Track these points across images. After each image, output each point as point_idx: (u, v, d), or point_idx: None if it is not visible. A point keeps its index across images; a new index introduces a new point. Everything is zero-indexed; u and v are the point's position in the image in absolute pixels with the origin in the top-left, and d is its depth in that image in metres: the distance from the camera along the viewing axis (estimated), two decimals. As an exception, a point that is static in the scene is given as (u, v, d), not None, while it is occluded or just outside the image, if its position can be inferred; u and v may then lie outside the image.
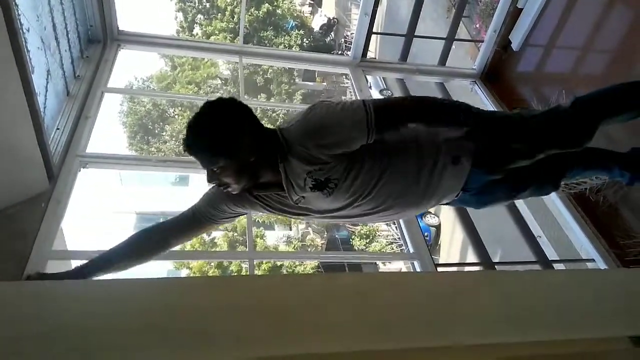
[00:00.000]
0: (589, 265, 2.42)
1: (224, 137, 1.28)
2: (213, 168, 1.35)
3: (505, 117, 1.54)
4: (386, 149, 1.40)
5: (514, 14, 3.00)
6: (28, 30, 1.80)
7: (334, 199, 1.42)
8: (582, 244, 2.42)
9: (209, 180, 1.44)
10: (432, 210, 12.54)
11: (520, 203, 3.00)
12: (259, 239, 12.53)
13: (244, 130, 1.31)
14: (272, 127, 1.42)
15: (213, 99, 1.35)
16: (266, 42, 16.55)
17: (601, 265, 2.27)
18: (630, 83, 1.68)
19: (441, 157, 1.44)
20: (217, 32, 16.99)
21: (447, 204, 1.64)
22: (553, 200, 2.57)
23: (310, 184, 1.36)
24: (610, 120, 1.62)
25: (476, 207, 1.71)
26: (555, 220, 2.92)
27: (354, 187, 1.39)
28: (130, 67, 15.86)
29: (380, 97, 13.72)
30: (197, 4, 19.19)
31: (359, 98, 2.92)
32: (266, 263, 11.40)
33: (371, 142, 1.33)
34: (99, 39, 2.69)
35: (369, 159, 1.38)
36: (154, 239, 1.68)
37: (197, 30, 19.07)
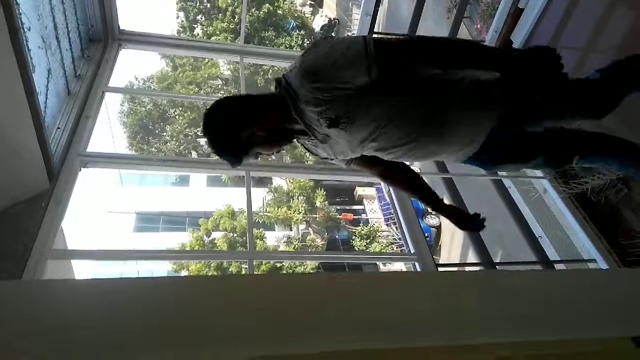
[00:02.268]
0: (591, 265, 2.41)
1: (234, 145, 1.38)
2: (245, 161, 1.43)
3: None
4: (407, 84, 1.36)
5: (516, 13, 2.99)
6: (29, 30, 1.80)
7: (355, 132, 1.39)
8: (584, 244, 2.41)
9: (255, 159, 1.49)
10: (432, 211, 12.52)
11: (521, 204, 3.00)
12: (259, 239, 12.51)
13: (246, 126, 1.37)
14: (274, 83, 1.45)
15: (208, 110, 1.42)
16: (267, 42, 16.55)
17: (602, 265, 2.26)
18: None
19: (469, 99, 1.38)
20: (218, 32, 16.99)
21: (463, 162, 1.60)
22: (554, 201, 2.57)
23: (325, 123, 1.36)
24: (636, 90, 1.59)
25: (486, 168, 1.71)
26: (556, 221, 2.91)
27: (368, 119, 1.36)
28: (131, 67, 15.87)
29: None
30: (198, 4, 19.19)
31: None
32: (265, 264, 11.38)
33: (384, 78, 1.31)
34: (100, 39, 2.69)
35: (385, 93, 1.34)
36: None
37: (198, 30, 19.08)
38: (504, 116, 1.42)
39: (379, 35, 1.33)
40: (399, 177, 1.71)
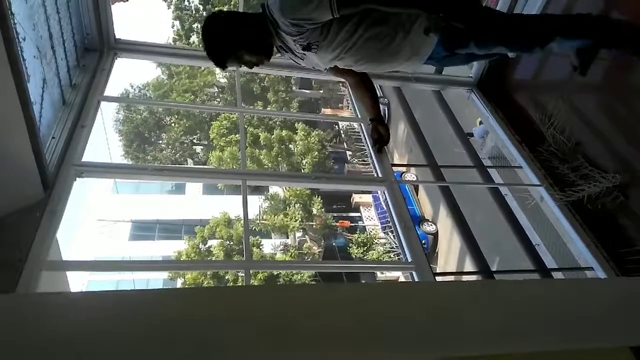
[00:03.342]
0: (588, 273, 2.41)
1: (223, 59, 1.83)
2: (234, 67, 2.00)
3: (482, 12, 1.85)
4: (364, 17, 1.74)
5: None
6: (24, 39, 1.79)
7: (324, 54, 1.85)
8: (581, 252, 2.41)
9: (249, 67, 1.92)
10: (429, 217, 12.55)
11: (518, 211, 3.01)
12: (255, 247, 12.49)
13: (236, 46, 1.79)
14: (261, 7, 1.80)
15: (205, 19, 1.88)
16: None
17: (600, 273, 2.26)
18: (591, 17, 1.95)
19: (415, 27, 1.76)
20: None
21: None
22: (551, 208, 2.57)
23: (299, 47, 1.82)
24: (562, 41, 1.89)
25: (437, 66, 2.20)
26: (553, 229, 2.92)
27: (333, 45, 1.80)
28: (127, 75, 15.89)
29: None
30: (194, 13, 19.27)
31: (356, 108, 2.93)
32: (262, 272, 11.34)
33: (343, 15, 1.66)
34: (95, 48, 2.68)
35: (346, 25, 1.74)
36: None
37: (194, 38, 19.13)
38: (440, 40, 1.81)
39: None
40: (364, 87, 2.24)
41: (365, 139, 2.84)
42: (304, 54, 1.86)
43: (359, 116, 2.92)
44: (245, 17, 1.84)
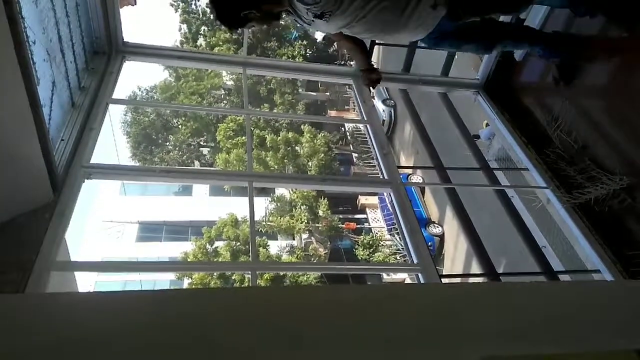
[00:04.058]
0: (595, 276, 2.40)
1: (232, 19, 1.91)
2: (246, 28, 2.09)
3: None
4: None
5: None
6: (34, 43, 1.82)
7: (335, 22, 1.97)
8: (588, 254, 2.40)
9: (254, 30, 2.20)
10: (435, 219, 12.50)
11: (524, 213, 3.00)
12: (262, 248, 12.51)
13: (245, 4, 1.84)
14: None
15: None
16: (270, 52, 16.66)
17: (607, 276, 2.25)
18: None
19: (423, 1, 1.91)
20: (220, 43, 17.11)
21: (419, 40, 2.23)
22: (558, 211, 2.56)
23: (311, 14, 1.94)
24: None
25: (429, 45, 2.29)
26: (560, 231, 2.91)
27: (345, 14, 1.92)
28: (134, 77, 15.99)
29: (383, 106, 13.53)
30: (201, 16, 19.36)
31: (362, 110, 2.93)
32: (268, 273, 11.35)
33: None
34: (104, 51, 2.71)
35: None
36: None
37: (201, 41, 19.22)
38: (447, 13, 1.98)
39: None
40: (352, 41, 2.32)
41: (371, 141, 2.84)
42: (312, 20, 1.97)
43: (365, 118, 2.92)
44: None
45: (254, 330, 0.79)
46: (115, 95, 2.59)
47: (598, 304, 1.01)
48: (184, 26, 19.79)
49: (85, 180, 2.07)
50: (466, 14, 2.02)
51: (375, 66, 2.60)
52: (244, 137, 15.02)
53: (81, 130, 2.22)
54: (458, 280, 9.85)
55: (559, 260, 4.01)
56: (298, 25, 2.16)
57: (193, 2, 20.02)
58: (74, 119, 2.25)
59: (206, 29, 18.92)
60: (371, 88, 2.74)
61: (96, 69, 2.61)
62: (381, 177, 2.57)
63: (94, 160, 2.18)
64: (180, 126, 20.27)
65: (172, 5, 19.98)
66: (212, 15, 2.19)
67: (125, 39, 2.80)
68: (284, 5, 1.94)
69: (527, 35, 2.51)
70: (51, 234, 1.75)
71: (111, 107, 2.52)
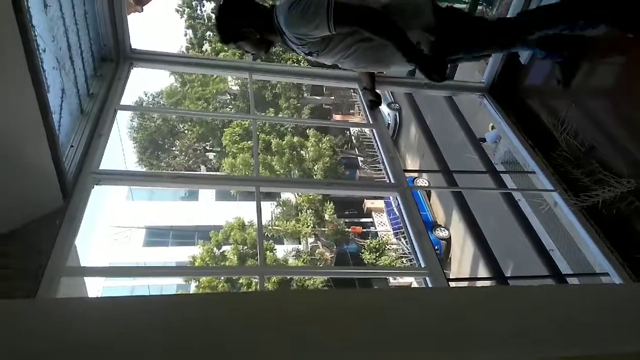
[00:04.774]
0: (604, 279, 2.39)
1: (231, 32, 2.00)
2: (240, 48, 2.07)
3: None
4: (360, 35, 1.94)
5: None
6: (44, 51, 1.84)
7: (324, 59, 2.12)
8: (596, 257, 2.39)
9: (244, 52, 2.15)
10: (441, 223, 12.47)
11: (531, 217, 2.99)
12: (268, 251, 12.52)
13: (245, 23, 1.95)
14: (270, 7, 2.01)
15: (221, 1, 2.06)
16: (275, 57, 16.71)
17: (616, 279, 2.24)
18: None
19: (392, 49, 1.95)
20: (226, 48, 17.18)
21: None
22: (565, 214, 2.55)
23: (302, 52, 2.08)
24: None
25: None
26: (567, 234, 2.89)
27: (332, 53, 2.04)
28: (141, 82, 16.09)
29: (388, 110, 13.50)
30: (206, 21, 19.48)
31: (368, 114, 2.94)
32: (276, 277, 11.35)
33: (340, 33, 1.91)
34: (112, 58, 2.74)
35: (342, 39, 1.97)
36: None
37: (206, 46, 19.32)
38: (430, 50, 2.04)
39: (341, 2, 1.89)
40: None
41: (377, 144, 2.85)
42: (306, 56, 2.13)
43: (370, 122, 2.93)
44: (262, 8, 2.04)
45: (265, 336, 0.79)
46: (122, 102, 2.62)
47: (607, 306, 1.01)
48: (190, 31, 19.93)
49: (95, 186, 2.09)
50: (448, 54, 2.10)
51: (377, 90, 2.70)
52: (249, 142, 15.06)
53: (90, 136, 2.24)
54: (465, 284, 9.80)
55: (566, 264, 3.99)
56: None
57: (198, 8, 20.17)
58: (83, 125, 2.27)
59: (212, 34, 19.02)
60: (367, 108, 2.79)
61: (104, 76, 2.63)
62: (387, 181, 2.58)
63: (102, 166, 2.20)
64: (186, 131, 20.38)
65: (177, 11, 20.14)
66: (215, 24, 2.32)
67: (132, 46, 2.83)
68: (277, 37, 2.03)
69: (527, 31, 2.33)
70: (61, 240, 1.77)
71: (118, 112, 2.54)
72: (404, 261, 13.20)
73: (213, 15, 18.87)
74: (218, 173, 16.99)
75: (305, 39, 1.94)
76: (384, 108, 14.13)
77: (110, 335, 0.78)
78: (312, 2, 1.83)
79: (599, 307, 1.00)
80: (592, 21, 2.24)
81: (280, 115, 17.03)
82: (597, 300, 1.03)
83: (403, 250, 13.51)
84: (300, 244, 15.41)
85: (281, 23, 1.92)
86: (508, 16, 2.73)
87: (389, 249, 14.26)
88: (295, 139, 15.62)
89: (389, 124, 14.41)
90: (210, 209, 17.34)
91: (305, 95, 20.08)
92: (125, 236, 16.47)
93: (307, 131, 16.20)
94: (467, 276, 10.16)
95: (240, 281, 12.29)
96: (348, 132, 19.42)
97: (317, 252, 14.63)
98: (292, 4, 1.86)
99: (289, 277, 12.06)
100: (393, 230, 14.63)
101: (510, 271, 6.97)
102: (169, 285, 15.42)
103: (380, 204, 16.33)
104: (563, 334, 0.91)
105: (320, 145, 15.44)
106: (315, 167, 15.20)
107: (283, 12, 1.90)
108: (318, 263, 13.90)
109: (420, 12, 1.98)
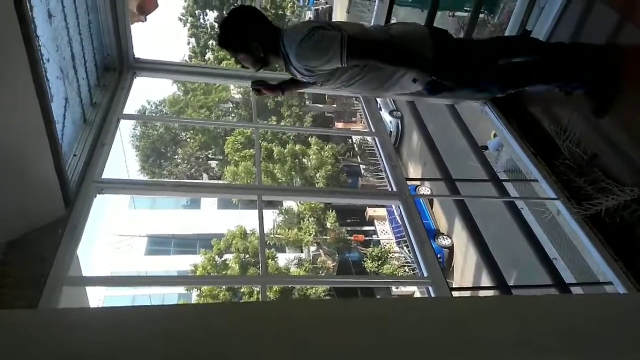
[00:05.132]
0: (607, 288, 2.37)
1: (237, 40, 1.94)
2: (236, 57, 2.02)
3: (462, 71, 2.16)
4: (365, 65, 1.99)
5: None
6: (48, 61, 1.85)
7: (327, 87, 2.18)
8: (599, 266, 2.38)
9: (236, 63, 2.10)
10: (444, 231, 12.43)
11: (534, 225, 2.98)
12: (270, 260, 12.48)
13: (253, 36, 1.91)
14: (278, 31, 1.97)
15: (235, 6, 2.14)
16: (277, 66, 16.73)
17: (619, 287, 2.22)
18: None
19: (406, 75, 2.05)
20: (228, 57, 17.26)
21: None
22: (568, 222, 2.54)
23: (306, 80, 2.09)
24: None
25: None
26: (571, 242, 2.88)
27: (336, 84, 2.09)
28: (144, 91, 16.19)
29: (390, 118, 13.50)
30: (209, 30, 19.61)
31: (370, 122, 2.94)
32: (277, 286, 11.32)
33: (350, 65, 1.92)
34: (115, 67, 2.76)
35: (348, 69, 1.98)
36: None
37: (209, 55, 19.43)
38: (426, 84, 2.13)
39: (355, 33, 1.94)
40: None
41: (379, 152, 2.85)
42: (308, 83, 2.17)
43: (373, 130, 2.93)
44: (274, 28, 1.99)
45: (266, 345, 0.79)
46: (125, 110, 2.63)
47: (611, 316, 1.00)
48: (193, 40, 20.06)
49: (97, 195, 2.10)
50: (445, 89, 2.13)
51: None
52: (252, 150, 15.09)
53: (93, 145, 2.25)
54: (468, 293, 9.75)
55: (570, 273, 3.97)
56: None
57: (201, 17, 20.32)
58: (86, 134, 2.28)
59: (214, 42, 19.13)
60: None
61: (107, 85, 2.65)
62: (389, 189, 2.58)
63: (105, 174, 2.21)
64: (188, 139, 20.43)
65: (180, 20, 20.29)
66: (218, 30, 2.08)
67: (135, 55, 2.85)
68: (279, 60, 2.03)
69: (538, 75, 2.46)
70: (63, 249, 1.77)
71: (121, 122, 2.55)
72: (407, 270, 13.14)
73: (216, 24, 19.01)
74: (220, 181, 17.01)
75: (315, 71, 1.95)
76: (385, 116, 14.15)
77: (112, 346, 0.78)
78: (325, 36, 1.84)
79: (602, 316, 1.00)
80: (570, 83, 2.44)
81: (282, 124, 17.07)
82: (600, 310, 1.03)
83: (405, 259, 13.45)
84: (302, 252, 15.37)
85: (290, 53, 1.91)
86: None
87: (391, 257, 14.20)
88: (298, 147, 15.64)
89: (391, 131, 14.42)
90: (212, 217, 17.32)
91: (307, 103, 20.13)
92: (127, 245, 16.46)
93: (309, 139, 16.23)
94: (470, 285, 10.11)
95: (242, 290, 12.25)
96: (350, 140, 19.45)
97: (319, 260, 14.58)
98: (303, 37, 1.84)
99: (290, 286, 12.01)
100: (395, 239, 14.58)
101: (514, 280, 6.93)
102: (171, 294, 15.37)
103: (382, 212, 16.30)
104: (567, 344, 0.91)
105: (322, 153, 15.45)
106: (318, 175, 15.20)
107: (294, 44, 1.87)
108: (320, 271, 13.85)
109: (421, 48, 2.02)
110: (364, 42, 1.92)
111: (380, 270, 13.35)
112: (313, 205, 14.38)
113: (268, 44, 1.94)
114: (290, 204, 15.65)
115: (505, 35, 2.93)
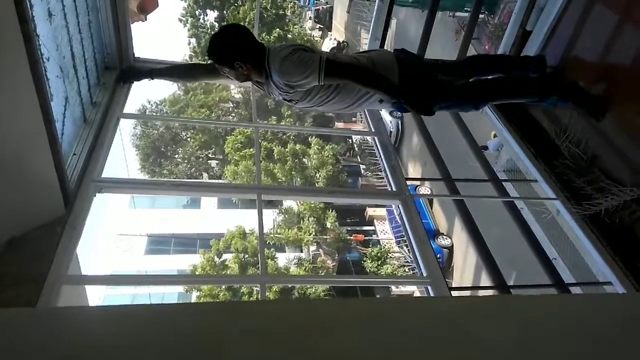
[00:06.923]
0: (607, 288, 2.37)
1: (224, 57, 2.11)
2: (220, 69, 2.18)
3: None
4: (337, 85, 2.20)
5: (524, 35, 3.02)
6: (48, 60, 1.85)
7: (300, 105, 2.31)
8: (599, 266, 2.38)
9: (220, 72, 2.22)
10: (444, 231, 12.43)
11: (534, 225, 2.98)
12: (270, 260, 12.47)
13: (238, 55, 2.07)
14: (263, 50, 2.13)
15: (225, 25, 2.43)
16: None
17: (619, 288, 2.22)
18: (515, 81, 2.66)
19: (373, 97, 2.27)
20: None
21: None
22: (568, 222, 2.54)
23: (281, 98, 2.27)
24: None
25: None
26: (570, 243, 2.88)
27: (309, 103, 2.27)
28: (144, 90, 16.17)
29: (391, 118, 13.50)
30: (209, 30, 19.59)
31: (370, 122, 2.94)
32: (277, 286, 11.32)
33: (326, 84, 2.15)
34: (115, 66, 2.76)
35: (322, 89, 2.20)
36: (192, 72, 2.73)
37: (209, 55, 19.36)
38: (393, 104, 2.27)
39: (334, 54, 2.24)
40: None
41: (379, 152, 2.85)
42: (283, 101, 2.33)
43: (373, 130, 2.93)
44: (260, 47, 2.15)
45: (264, 345, 0.79)
46: (125, 110, 2.63)
47: (611, 316, 1.00)
48: (193, 40, 20.04)
49: (97, 194, 2.09)
50: (412, 109, 2.26)
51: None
52: (252, 149, 15.09)
53: (93, 144, 2.25)
54: (468, 293, 9.76)
55: (569, 273, 3.97)
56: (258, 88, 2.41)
57: (201, 17, 20.31)
58: (86, 133, 2.28)
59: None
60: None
61: (108, 84, 2.65)
62: (389, 189, 2.58)
63: (105, 173, 2.21)
64: (188, 139, 20.43)
65: (180, 20, 20.27)
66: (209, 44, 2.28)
67: (135, 55, 2.85)
68: (261, 77, 2.18)
69: (521, 90, 2.59)
70: (63, 248, 1.76)
71: (121, 120, 2.55)
72: (406, 269, 13.14)
73: (216, 25, 19.01)
74: (220, 181, 17.02)
75: (294, 87, 2.12)
76: (385, 116, 14.15)
77: (111, 344, 0.78)
78: (306, 56, 2.05)
79: (602, 316, 1.00)
80: (548, 98, 2.52)
81: (282, 123, 17.06)
82: (600, 310, 1.03)
83: (405, 259, 13.47)
84: (302, 251, 15.37)
85: (273, 69, 2.08)
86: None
87: (391, 257, 14.21)
88: (298, 146, 15.65)
89: (391, 131, 14.42)
90: (212, 216, 17.33)
91: (308, 103, 20.12)
92: (127, 244, 16.46)
93: (310, 139, 16.24)
94: (470, 284, 10.12)
95: (242, 290, 12.26)
96: (350, 140, 19.45)
97: (319, 260, 14.58)
98: (287, 55, 2.05)
99: (290, 285, 12.02)
100: (395, 239, 14.59)
101: (513, 280, 6.93)
102: (171, 293, 15.37)
103: (382, 211, 16.30)
104: (566, 344, 0.91)
105: (322, 153, 15.45)
106: (318, 175, 15.20)
107: (278, 61, 2.06)
108: (320, 271, 13.85)
109: (388, 74, 2.22)
110: (338, 63, 2.15)
111: (380, 270, 13.35)
112: (313, 205, 14.38)
113: (252, 62, 2.11)
114: (290, 203, 15.66)
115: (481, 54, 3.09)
